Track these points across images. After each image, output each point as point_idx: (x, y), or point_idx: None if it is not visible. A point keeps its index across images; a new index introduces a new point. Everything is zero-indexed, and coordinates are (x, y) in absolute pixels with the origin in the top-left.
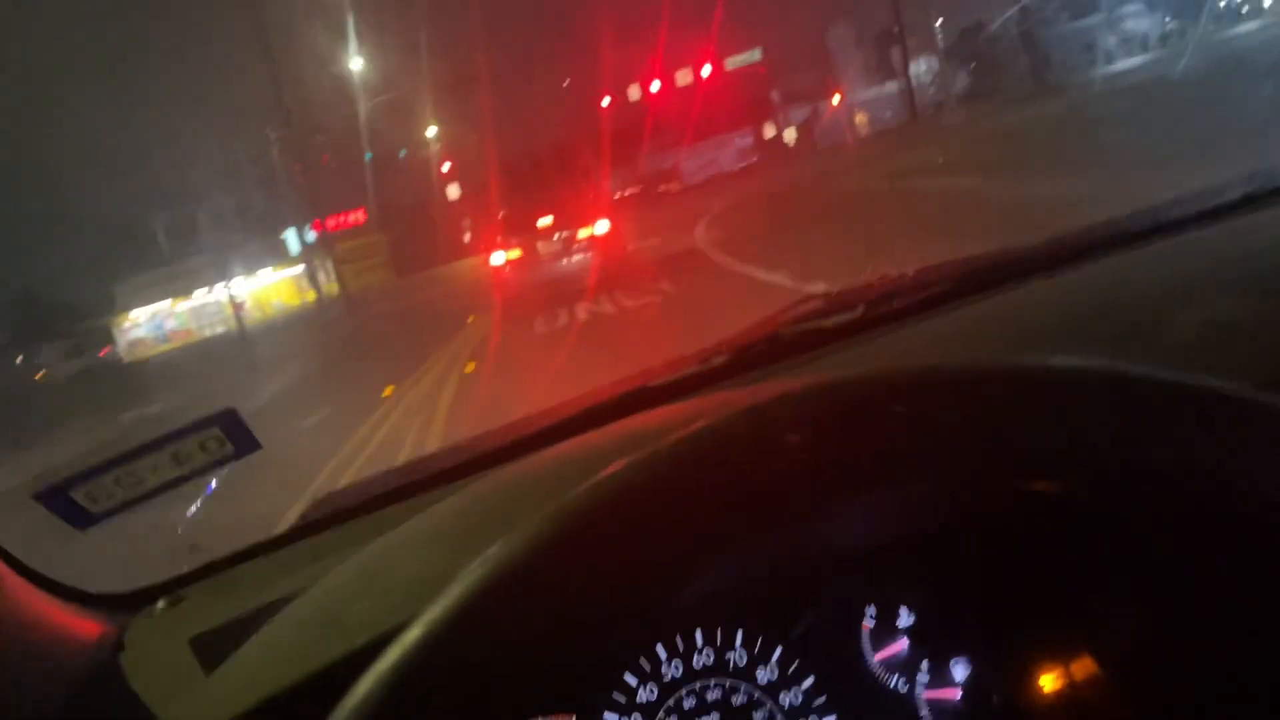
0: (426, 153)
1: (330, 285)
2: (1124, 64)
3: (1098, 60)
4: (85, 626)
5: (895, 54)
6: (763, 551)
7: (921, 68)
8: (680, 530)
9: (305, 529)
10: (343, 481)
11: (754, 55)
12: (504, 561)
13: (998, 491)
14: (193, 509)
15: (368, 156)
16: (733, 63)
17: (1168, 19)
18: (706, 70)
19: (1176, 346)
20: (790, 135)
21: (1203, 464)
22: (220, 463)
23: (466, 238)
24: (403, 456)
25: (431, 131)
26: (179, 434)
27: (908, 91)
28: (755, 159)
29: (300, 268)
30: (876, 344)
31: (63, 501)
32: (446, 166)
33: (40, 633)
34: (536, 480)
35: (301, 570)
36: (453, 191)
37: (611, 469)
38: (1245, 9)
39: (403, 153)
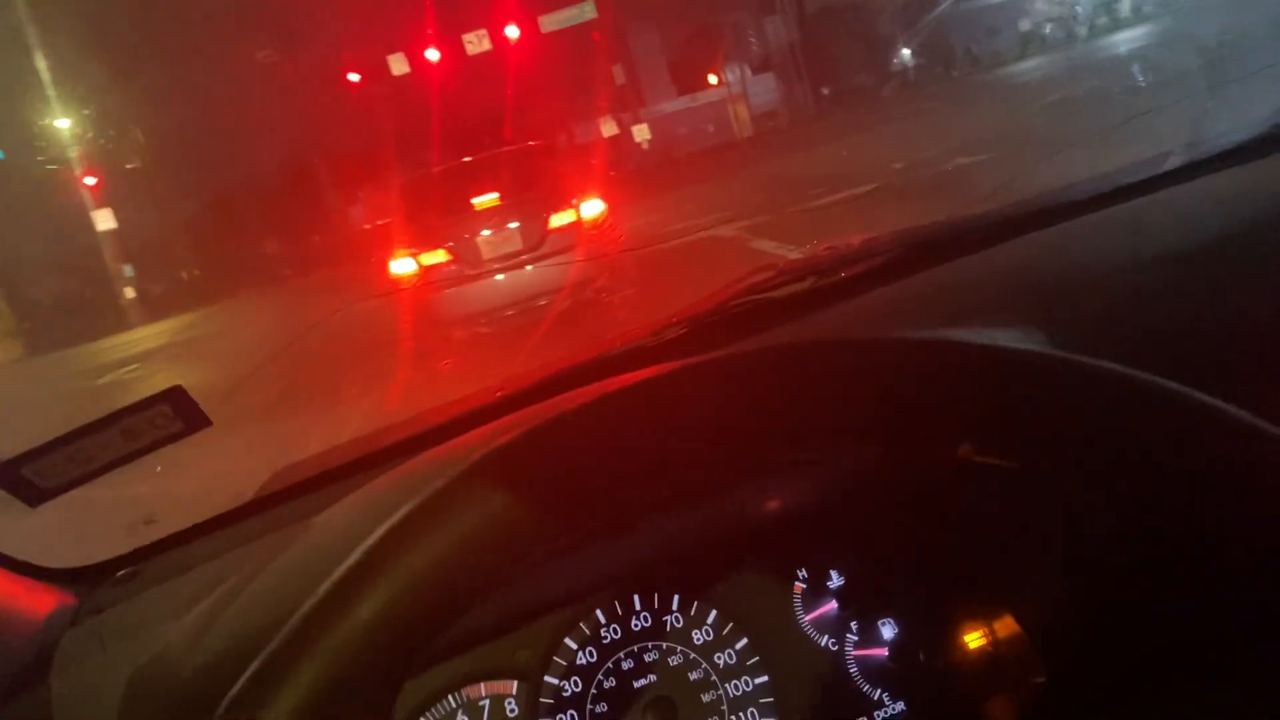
0: (58, 155)
1: None
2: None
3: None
4: (40, 601)
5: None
6: (696, 517)
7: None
8: (610, 493)
9: (262, 502)
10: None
11: (584, 11)
12: (415, 519)
13: (929, 461)
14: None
15: None
16: (552, 22)
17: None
18: (513, 32)
19: (1103, 317)
20: (643, 134)
21: (1129, 445)
22: (170, 438)
23: (130, 292)
24: None
25: (61, 123)
26: (129, 411)
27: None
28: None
29: None
30: (825, 315)
31: (13, 478)
32: (91, 181)
33: None
34: (471, 451)
35: (258, 543)
36: (104, 220)
37: (533, 424)
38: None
39: None
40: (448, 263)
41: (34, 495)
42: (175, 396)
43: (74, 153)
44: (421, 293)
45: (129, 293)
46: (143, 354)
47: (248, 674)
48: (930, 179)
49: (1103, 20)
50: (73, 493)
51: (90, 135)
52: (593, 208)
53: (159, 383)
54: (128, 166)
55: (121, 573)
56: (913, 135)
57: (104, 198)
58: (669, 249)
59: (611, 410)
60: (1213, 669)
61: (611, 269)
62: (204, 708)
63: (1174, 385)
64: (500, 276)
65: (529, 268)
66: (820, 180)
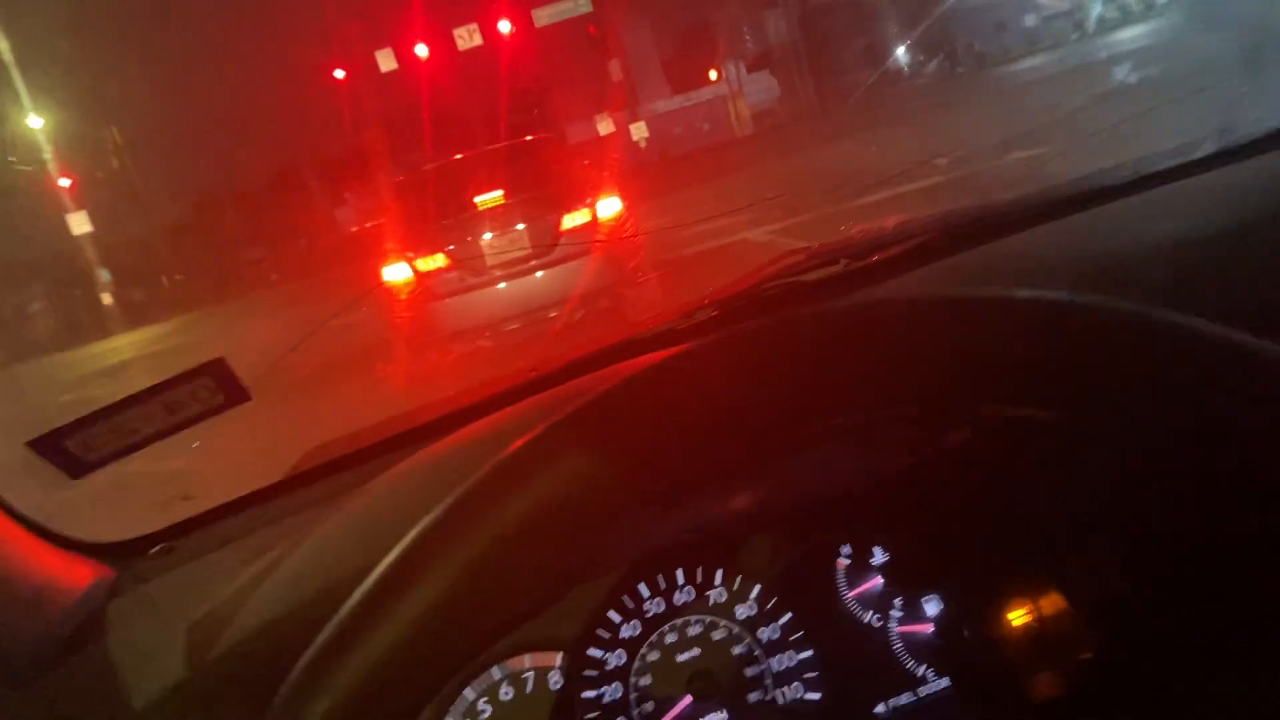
0: (31, 155)
1: None
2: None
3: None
4: (79, 573)
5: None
6: (740, 492)
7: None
8: (660, 467)
9: (294, 480)
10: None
11: (580, 4)
12: (462, 503)
13: (985, 433)
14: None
15: None
16: (546, 16)
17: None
18: (505, 27)
19: (1139, 301)
20: (640, 132)
21: (1183, 399)
22: (210, 412)
23: (107, 298)
24: None
25: (34, 122)
26: (170, 384)
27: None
28: None
29: None
30: (858, 297)
31: (57, 450)
32: (66, 182)
33: (35, 578)
34: (517, 430)
35: (289, 521)
36: (79, 224)
37: (574, 408)
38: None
39: None
40: (447, 268)
41: (76, 467)
42: (216, 369)
43: (47, 153)
44: (418, 302)
45: (106, 299)
46: (115, 367)
47: (315, 646)
48: (990, 174)
49: (1112, 15)
50: (111, 468)
51: (65, 134)
52: (610, 207)
53: None
54: (105, 167)
55: (158, 547)
56: (941, 130)
57: (80, 200)
58: (696, 255)
59: (680, 381)
60: (1264, 647)
61: (635, 276)
62: (270, 664)
63: (1242, 335)
64: (503, 285)
65: (539, 274)
66: (851, 177)
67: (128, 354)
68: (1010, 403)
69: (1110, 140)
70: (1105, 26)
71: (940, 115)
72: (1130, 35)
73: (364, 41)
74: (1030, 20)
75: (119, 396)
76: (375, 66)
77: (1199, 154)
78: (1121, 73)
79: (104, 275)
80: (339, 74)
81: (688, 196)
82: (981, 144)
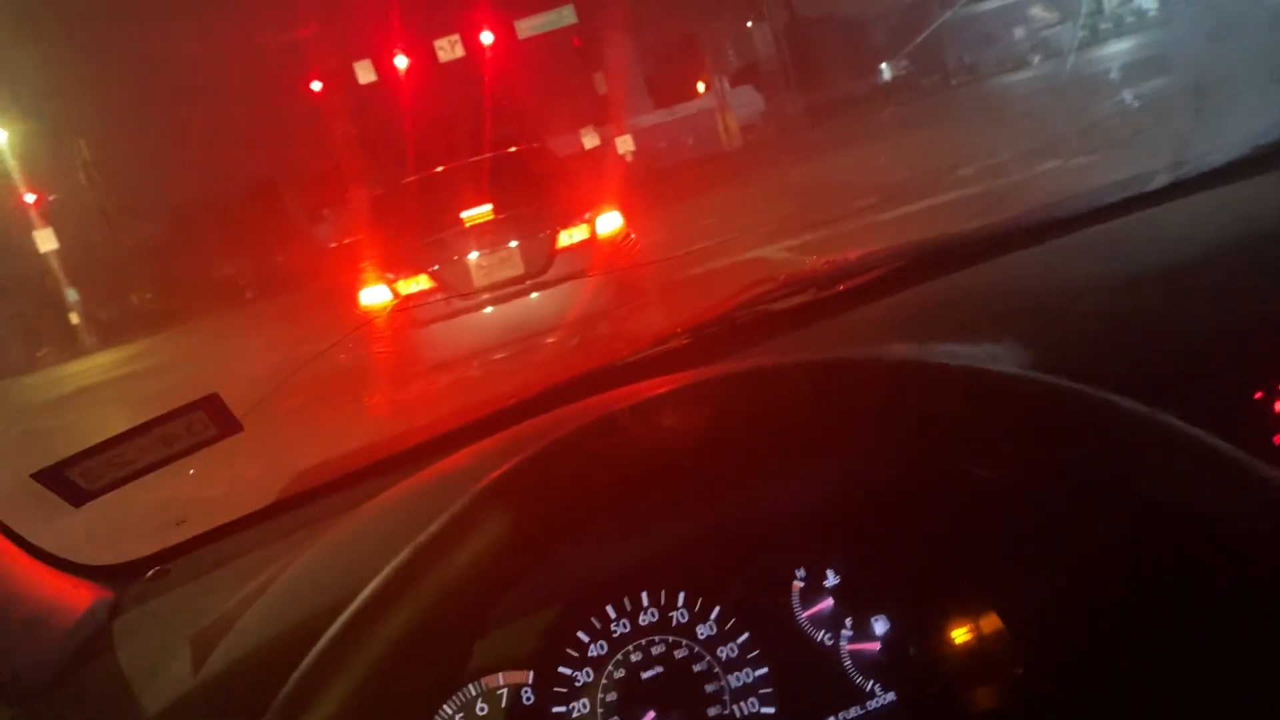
0: None
1: None
2: None
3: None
4: (79, 596)
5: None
6: (701, 520)
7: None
8: (624, 499)
9: (281, 505)
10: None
11: (564, 15)
12: (443, 531)
13: (929, 472)
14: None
15: None
16: (530, 27)
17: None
18: (488, 38)
19: (1083, 333)
20: (626, 145)
21: (1110, 468)
22: (204, 443)
23: (74, 318)
24: None
25: None
26: (167, 418)
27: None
28: None
29: None
30: (824, 326)
31: (60, 480)
32: (31, 198)
33: (37, 601)
34: (490, 461)
35: (278, 543)
36: (45, 241)
37: (545, 441)
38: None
39: None
40: (431, 290)
41: (78, 496)
42: (210, 404)
43: (11, 167)
44: (399, 329)
45: (74, 319)
46: (76, 392)
47: (299, 671)
48: (1022, 184)
49: (1105, 27)
50: (109, 495)
51: (30, 148)
52: (609, 222)
53: (79, 436)
54: (72, 182)
55: (154, 570)
56: (953, 141)
57: (45, 216)
58: (706, 274)
59: (649, 419)
60: (1171, 665)
61: (637, 297)
62: (263, 681)
63: (1141, 408)
64: (489, 309)
65: (534, 295)
66: (865, 189)
67: (96, 378)
68: (952, 461)
69: (1142, 148)
70: (1098, 38)
71: (942, 126)
72: (1125, 47)
73: (342, 52)
74: (1021, 33)
75: (69, 429)
76: (354, 78)
77: (1151, 187)
78: (1128, 83)
79: (71, 294)
80: (316, 86)
81: (687, 209)
82: (1006, 155)
